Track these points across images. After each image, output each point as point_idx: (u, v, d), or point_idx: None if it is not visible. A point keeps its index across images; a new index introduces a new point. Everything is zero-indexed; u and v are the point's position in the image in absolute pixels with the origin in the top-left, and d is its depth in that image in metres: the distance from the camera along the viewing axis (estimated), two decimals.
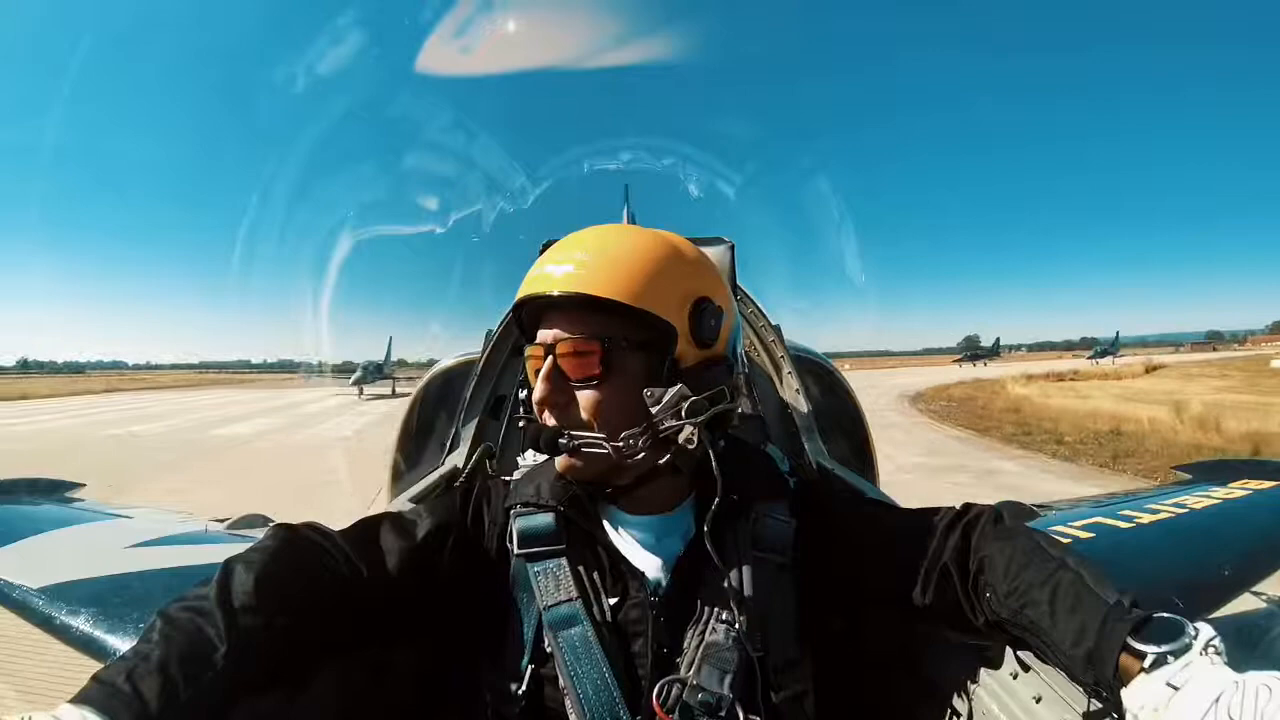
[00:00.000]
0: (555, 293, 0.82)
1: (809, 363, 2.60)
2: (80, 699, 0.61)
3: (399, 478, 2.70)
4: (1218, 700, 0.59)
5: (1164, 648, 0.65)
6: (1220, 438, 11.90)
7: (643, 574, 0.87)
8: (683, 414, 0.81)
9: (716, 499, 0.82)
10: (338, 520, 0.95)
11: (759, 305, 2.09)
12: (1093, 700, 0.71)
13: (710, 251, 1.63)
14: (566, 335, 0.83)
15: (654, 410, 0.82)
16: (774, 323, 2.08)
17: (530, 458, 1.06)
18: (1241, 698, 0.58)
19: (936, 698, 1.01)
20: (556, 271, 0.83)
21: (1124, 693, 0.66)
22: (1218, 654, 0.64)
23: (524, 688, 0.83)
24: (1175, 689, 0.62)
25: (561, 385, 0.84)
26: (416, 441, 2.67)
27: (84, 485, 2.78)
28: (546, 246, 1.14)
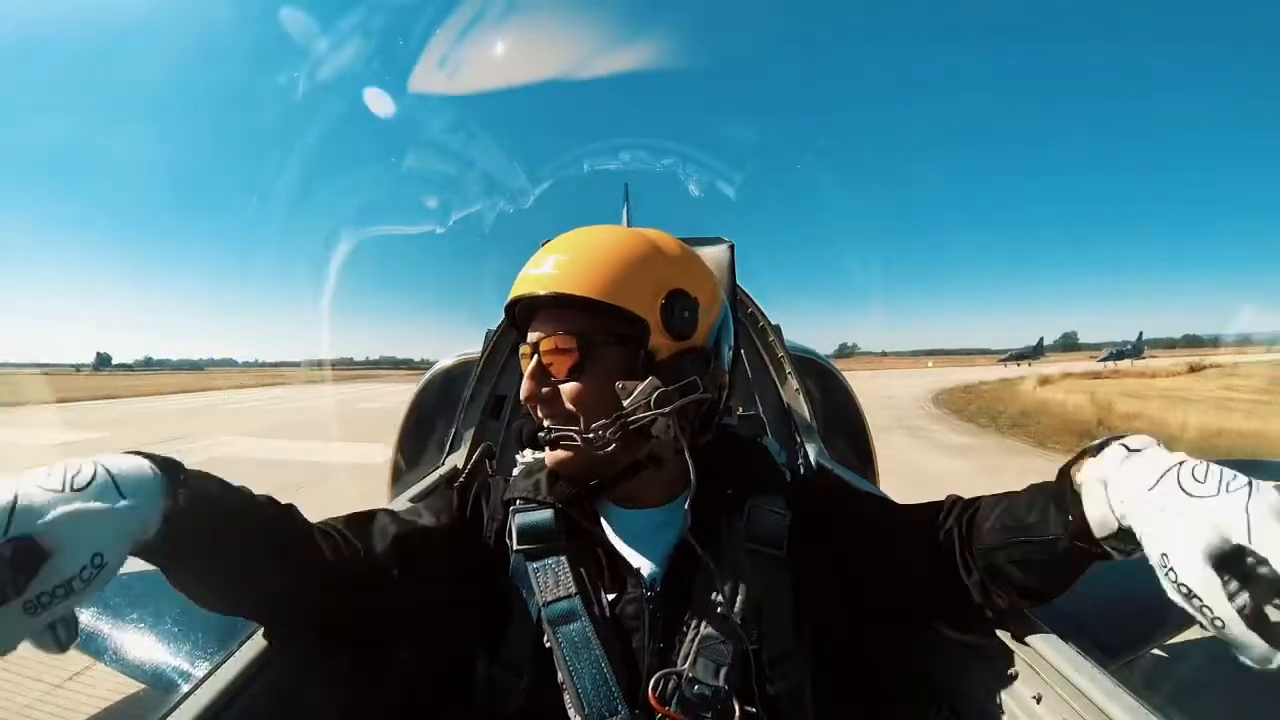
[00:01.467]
0: (535, 293, 0.86)
1: (809, 363, 2.60)
2: (137, 452, 0.66)
3: (399, 478, 2.69)
4: (1181, 463, 0.61)
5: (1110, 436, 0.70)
6: (1099, 413, 16.79)
7: (639, 569, 0.87)
8: (651, 405, 0.83)
9: (691, 492, 0.83)
10: None
11: (759, 305, 2.09)
12: (1062, 546, 0.74)
13: (710, 251, 1.63)
14: (547, 334, 0.86)
15: (625, 402, 0.83)
16: (774, 323, 2.07)
17: (529, 455, 1.06)
18: (1206, 466, 0.60)
19: (936, 696, 1.01)
20: (537, 273, 0.86)
21: (1081, 469, 0.71)
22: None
23: (523, 682, 0.84)
24: (1129, 450, 0.66)
25: (547, 382, 0.87)
26: (416, 441, 2.67)
27: None
28: None
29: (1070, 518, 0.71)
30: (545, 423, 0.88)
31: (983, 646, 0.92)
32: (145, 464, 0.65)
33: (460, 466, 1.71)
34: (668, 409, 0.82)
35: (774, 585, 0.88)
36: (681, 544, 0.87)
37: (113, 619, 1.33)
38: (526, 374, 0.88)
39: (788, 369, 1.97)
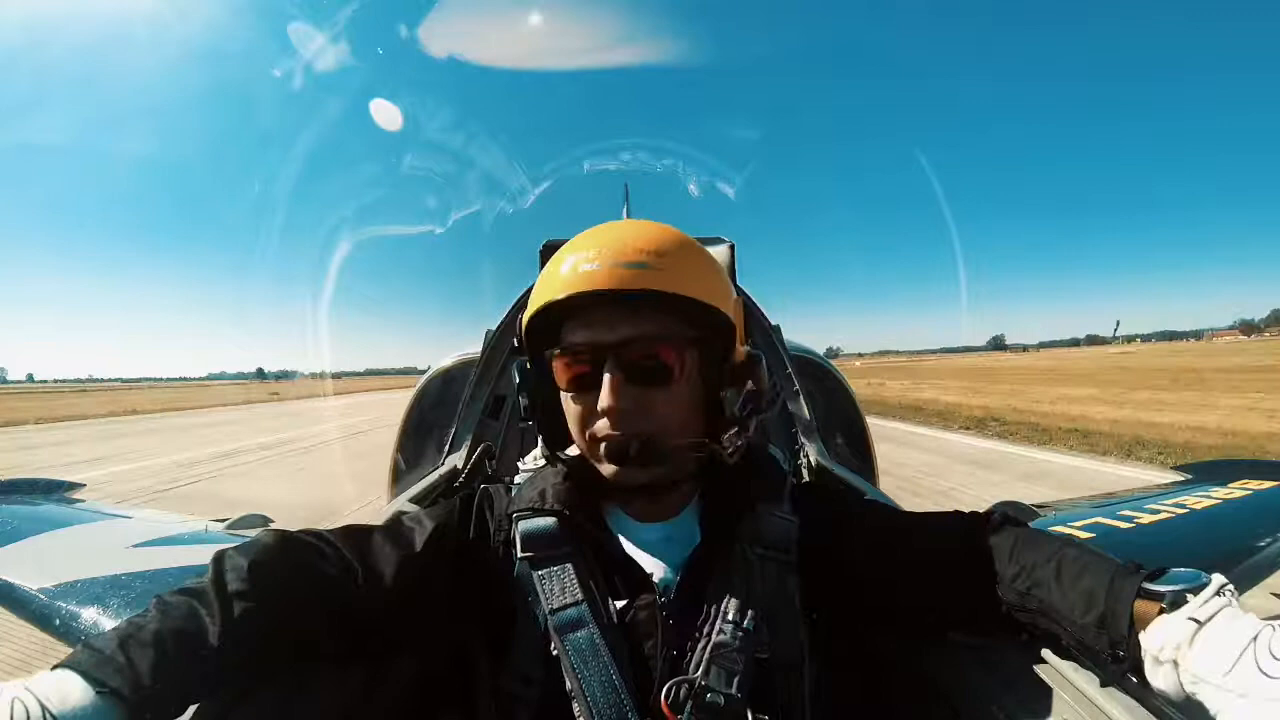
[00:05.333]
0: (628, 288, 0.76)
1: (809, 363, 2.60)
2: (68, 663, 0.61)
3: (398, 478, 2.69)
4: (1256, 638, 0.56)
5: (1180, 586, 0.64)
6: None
7: (650, 576, 0.87)
8: (739, 414, 0.81)
9: (700, 501, 0.83)
10: None
11: (758, 305, 2.09)
12: (1111, 668, 0.67)
13: (710, 251, 1.63)
14: (636, 334, 0.79)
15: (729, 411, 0.82)
16: (774, 323, 2.08)
17: (531, 461, 1.05)
18: None
19: (938, 698, 1.01)
20: (619, 266, 0.77)
21: (1142, 636, 0.64)
22: (1235, 595, 0.63)
23: (530, 691, 0.83)
24: (1199, 623, 0.60)
25: (627, 389, 0.79)
26: (416, 441, 2.67)
27: (84, 485, 2.77)
28: (547, 248, 1.11)
29: (1119, 650, 0.67)
30: (647, 433, 0.79)
31: (985, 647, 0.92)
32: (84, 690, 0.58)
33: (460, 466, 1.71)
34: (766, 415, 0.80)
35: (784, 592, 0.87)
36: (695, 552, 0.87)
37: (112, 619, 1.32)
38: (609, 381, 0.77)
39: (788, 369, 1.97)
